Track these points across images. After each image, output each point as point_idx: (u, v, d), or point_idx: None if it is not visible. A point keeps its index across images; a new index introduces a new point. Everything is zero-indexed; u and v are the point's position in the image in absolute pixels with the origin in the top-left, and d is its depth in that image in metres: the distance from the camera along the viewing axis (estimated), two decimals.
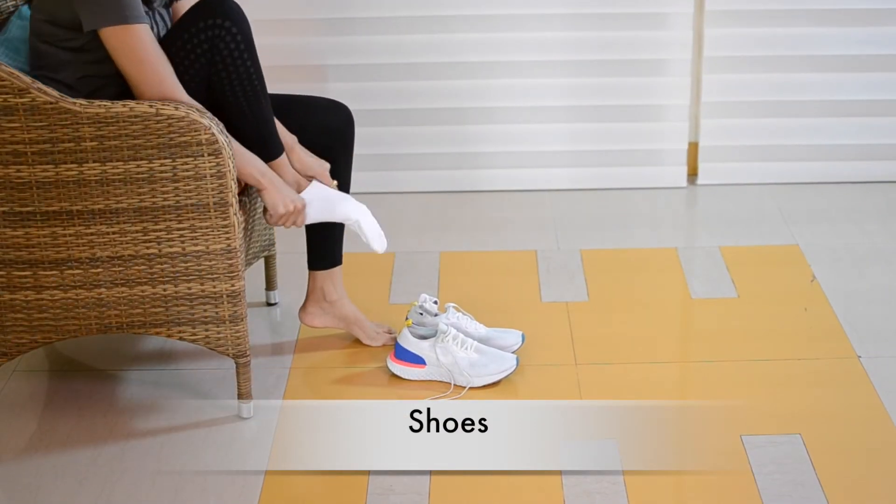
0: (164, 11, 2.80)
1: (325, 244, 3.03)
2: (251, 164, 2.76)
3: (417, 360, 2.94)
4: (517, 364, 2.94)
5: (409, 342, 2.94)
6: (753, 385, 2.94)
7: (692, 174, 4.04)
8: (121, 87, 2.68)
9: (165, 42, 2.73)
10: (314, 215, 2.88)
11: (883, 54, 3.87)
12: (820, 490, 2.56)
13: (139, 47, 2.59)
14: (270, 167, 2.82)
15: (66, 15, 2.62)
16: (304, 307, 3.11)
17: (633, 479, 2.61)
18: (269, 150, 2.82)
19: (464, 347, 2.92)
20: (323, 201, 2.88)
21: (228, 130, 2.73)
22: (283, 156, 2.85)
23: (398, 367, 2.96)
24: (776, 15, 3.83)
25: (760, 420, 2.80)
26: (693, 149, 4.02)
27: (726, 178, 4.01)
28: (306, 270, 3.08)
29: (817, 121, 3.94)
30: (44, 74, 2.67)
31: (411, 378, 2.95)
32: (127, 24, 2.58)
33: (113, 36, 2.58)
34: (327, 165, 2.93)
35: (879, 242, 3.61)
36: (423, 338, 2.96)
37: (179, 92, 2.64)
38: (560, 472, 2.63)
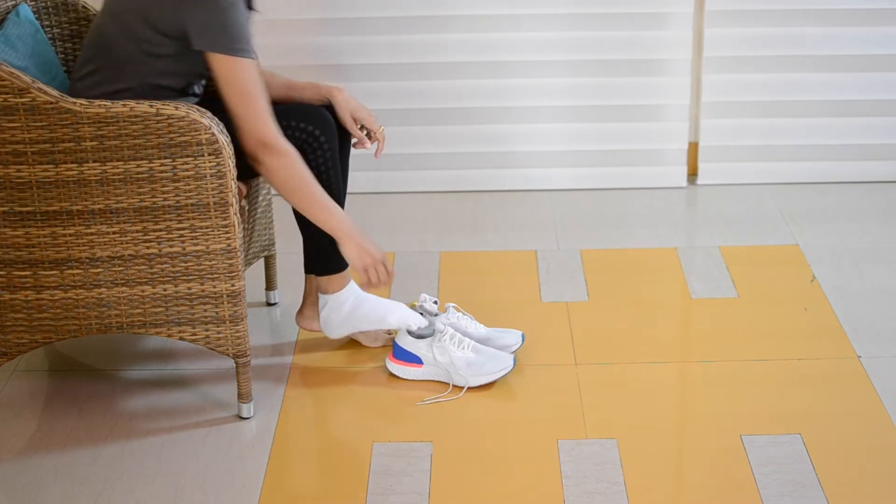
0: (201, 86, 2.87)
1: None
2: (328, 209, 2.79)
3: (415, 360, 2.94)
4: (514, 364, 2.94)
5: (407, 342, 2.94)
6: (753, 385, 2.94)
7: (692, 174, 4.05)
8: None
9: None
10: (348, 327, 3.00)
11: (883, 54, 3.87)
12: (820, 490, 2.56)
13: (248, 81, 2.63)
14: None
15: (169, 25, 2.64)
16: (300, 311, 3.11)
17: (633, 480, 2.61)
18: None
19: (461, 347, 2.92)
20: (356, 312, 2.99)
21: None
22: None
23: (396, 367, 2.96)
24: (776, 15, 3.83)
25: (760, 420, 2.80)
26: (693, 149, 4.02)
27: (726, 178, 4.01)
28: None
29: (817, 121, 3.94)
30: (93, 66, 2.71)
31: (409, 378, 2.95)
32: (243, 58, 2.63)
33: (225, 64, 2.62)
34: (373, 113, 3.00)
35: (879, 242, 3.62)
36: (421, 337, 2.96)
37: (275, 130, 2.68)
38: (560, 472, 2.63)
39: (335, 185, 2.88)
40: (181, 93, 2.75)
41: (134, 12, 2.66)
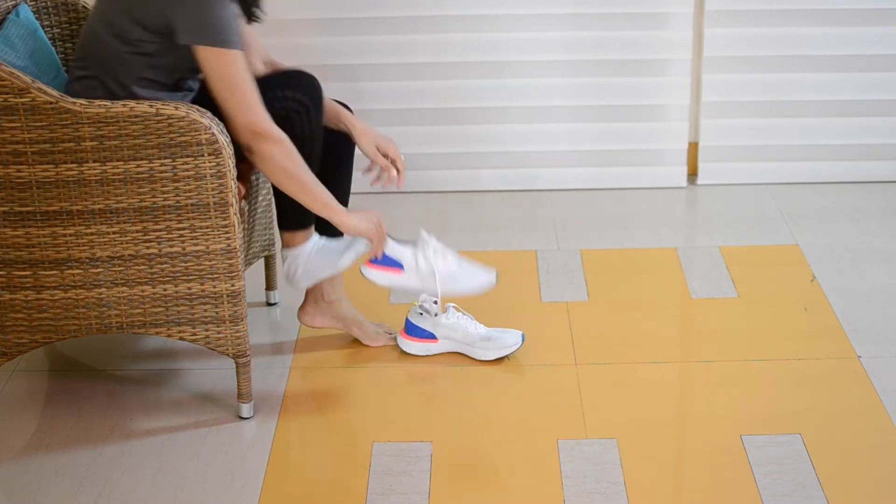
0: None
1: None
2: (319, 192, 2.77)
3: (396, 265, 2.92)
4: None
5: (392, 248, 2.92)
6: (753, 385, 2.94)
7: (692, 174, 4.05)
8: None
9: None
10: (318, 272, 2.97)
11: (883, 54, 3.87)
12: (820, 490, 2.56)
13: (235, 72, 2.62)
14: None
15: (154, 21, 2.63)
16: (302, 307, 3.11)
17: (633, 480, 2.61)
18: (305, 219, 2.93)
19: (444, 258, 2.94)
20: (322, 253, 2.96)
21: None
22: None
23: (375, 272, 2.94)
24: (776, 15, 3.83)
25: (760, 420, 2.80)
26: (693, 149, 4.02)
27: (726, 178, 4.01)
28: None
29: (817, 121, 3.95)
30: (84, 66, 2.71)
31: (385, 284, 2.94)
32: (228, 49, 2.61)
33: (212, 56, 2.61)
34: (392, 138, 3.00)
35: (879, 242, 3.62)
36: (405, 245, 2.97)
37: (266, 119, 2.66)
38: (560, 472, 2.63)
39: (318, 152, 2.86)
40: (173, 88, 2.75)
41: (120, 11, 2.66)
